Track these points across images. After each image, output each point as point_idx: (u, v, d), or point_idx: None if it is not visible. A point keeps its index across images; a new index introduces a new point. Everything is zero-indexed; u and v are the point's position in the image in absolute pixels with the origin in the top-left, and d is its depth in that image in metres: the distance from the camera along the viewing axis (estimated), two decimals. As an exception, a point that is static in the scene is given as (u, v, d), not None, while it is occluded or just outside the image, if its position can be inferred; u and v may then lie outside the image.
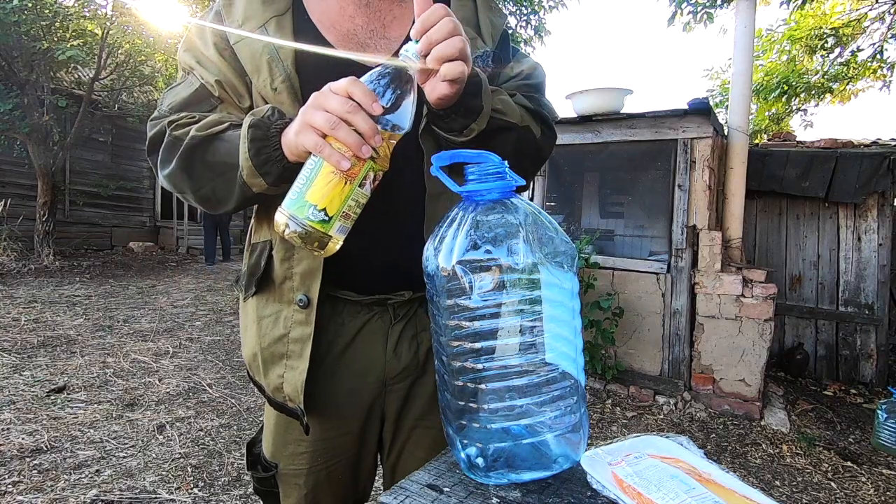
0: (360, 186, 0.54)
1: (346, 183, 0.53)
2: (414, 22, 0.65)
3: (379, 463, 0.87)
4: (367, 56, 0.73)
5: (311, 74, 0.70)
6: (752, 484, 2.58)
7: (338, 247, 0.56)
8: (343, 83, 0.53)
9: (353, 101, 0.52)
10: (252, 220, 0.82)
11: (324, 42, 0.73)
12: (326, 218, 0.52)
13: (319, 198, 0.52)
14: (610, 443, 0.57)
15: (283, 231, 0.53)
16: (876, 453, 2.82)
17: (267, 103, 0.69)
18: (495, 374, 0.50)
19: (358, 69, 0.71)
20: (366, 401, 0.78)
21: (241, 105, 0.74)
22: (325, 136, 0.53)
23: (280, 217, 0.54)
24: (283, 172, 0.61)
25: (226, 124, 0.67)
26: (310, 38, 0.72)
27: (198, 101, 0.73)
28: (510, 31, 7.91)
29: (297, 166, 0.57)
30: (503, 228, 0.51)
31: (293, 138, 0.57)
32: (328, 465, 0.79)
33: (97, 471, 2.08)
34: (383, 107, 0.53)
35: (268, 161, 0.61)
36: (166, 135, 0.69)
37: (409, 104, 0.56)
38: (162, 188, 9.86)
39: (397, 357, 0.77)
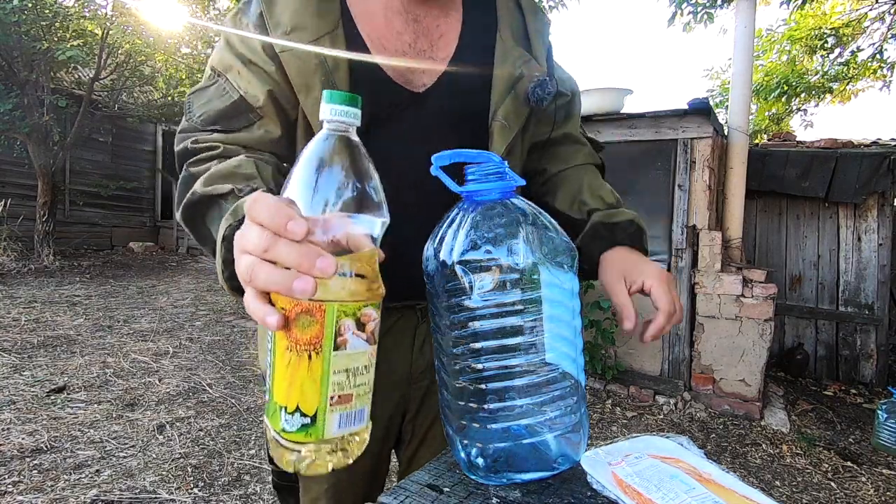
0: (338, 349, 0.36)
1: (310, 355, 0.36)
2: (460, 37, 0.69)
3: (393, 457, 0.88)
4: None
5: (367, 101, 0.67)
6: (752, 484, 2.59)
7: (361, 439, 0.40)
8: (248, 204, 0.37)
9: (266, 228, 0.35)
10: None
11: (377, 67, 0.68)
12: (307, 420, 0.36)
13: (286, 394, 0.37)
14: (610, 443, 0.57)
15: (275, 452, 0.39)
16: (876, 453, 2.82)
17: (311, 122, 0.66)
18: (495, 375, 0.50)
19: (407, 97, 0.70)
20: (393, 396, 0.78)
21: (288, 118, 0.68)
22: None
23: (266, 428, 0.40)
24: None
25: (228, 188, 0.57)
26: (361, 63, 0.67)
27: (234, 115, 0.65)
28: None
29: None
30: (503, 228, 0.51)
31: None
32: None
33: (97, 471, 2.08)
34: (322, 219, 0.36)
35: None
36: (185, 166, 0.64)
37: (371, 192, 0.39)
38: (162, 188, 9.80)
39: (423, 355, 0.79)
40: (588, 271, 0.73)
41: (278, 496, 0.87)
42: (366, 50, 0.68)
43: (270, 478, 0.87)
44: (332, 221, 0.37)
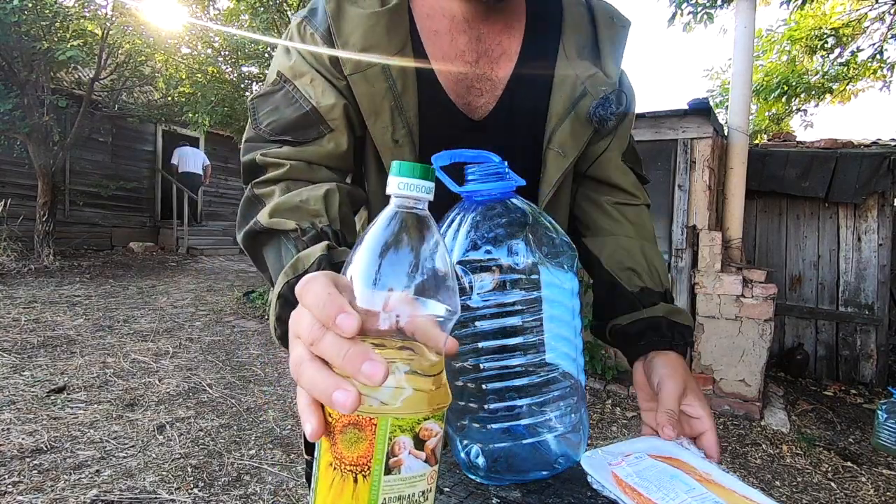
0: (390, 472, 0.30)
1: (356, 477, 0.30)
2: (519, 56, 0.68)
3: None
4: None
5: (430, 126, 0.65)
6: (752, 484, 2.58)
7: None
8: (299, 287, 0.33)
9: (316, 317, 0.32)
10: None
11: (441, 89, 0.66)
12: None
13: None
14: (610, 443, 0.56)
15: None
16: (876, 453, 2.82)
17: (378, 147, 0.65)
18: (495, 375, 0.50)
19: (468, 125, 0.68)
20: None
21: (356, 133, 0.66)
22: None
23: None
24: None
25: (292, 226, 0.55)
26: (426, 85, 0.65)
27: (305, 126, 0.63)
28: None
29: None
30: (503, 229, 0.51)
31: None
32: None
33: (97, 471, 2.08)
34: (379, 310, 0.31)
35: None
36: (251, 185, 0.62)
37: (442, 277, 0.34)
38: (162, 188, 9.80)
39: None
40: (618, 345, 0.69)
41: (309, 486, 0.87)
42: (432, 77, 0.66)
43: (302, 467, 0.88)
44: (394, 304, 0.31)
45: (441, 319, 0.33)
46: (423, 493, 0.32)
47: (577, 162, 0.72)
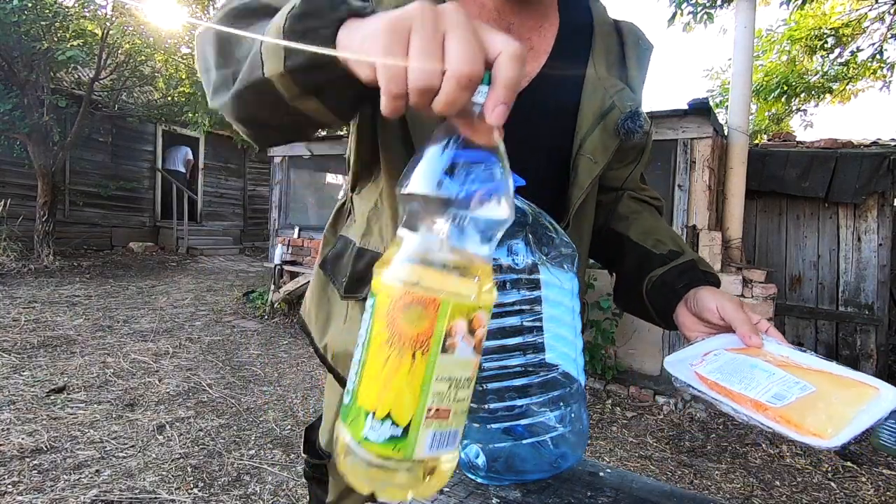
0: (445, 352, 0.31)
1: (414, 354, 0.31)
2: (549, 57, 0.67)
3: None
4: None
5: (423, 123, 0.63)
6: (751, 484, 2.56)
7: (447, 469, 0.34)
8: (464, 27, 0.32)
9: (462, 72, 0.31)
10: (356, 217, 0.73)
11: None
12: (398, 432, 0.31)
13: (377, 396, 0.32)
14: (686, 346, 0.59)
15: (345, 463, 0.34)
16: (876, 453, 2.82)
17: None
18: (495, 375, 0.50)
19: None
20: None
21: None
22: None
23: (339, 434, 0.34)
24: (318, 64, 0.41)
25: None
26: None
27: None
28: None
29: (346, 78, 0.39)
30: (503, 228, 0.51)
31: (354, 46, 0.38)
32: None
33: (97, 471, 2.08)
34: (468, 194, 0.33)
35: (306, 32, 0.40)
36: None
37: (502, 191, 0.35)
38: (162, 188, 9.81)
39: None
40: (656, 296, 0.72)
41: (308, 486, 0.87)
42: None
43: (302, 467, 0.88)
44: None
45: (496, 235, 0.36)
46: (468, 379, 0.33)
47: (606, 179, 0.77)
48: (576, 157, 0.69)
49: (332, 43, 0.40)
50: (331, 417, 0.79)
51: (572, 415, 0.53)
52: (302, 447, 0.86)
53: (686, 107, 3.36)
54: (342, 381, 0.72)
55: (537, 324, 0.50)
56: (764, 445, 2.82)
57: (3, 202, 6.67)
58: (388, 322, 0.32)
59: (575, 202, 0.68)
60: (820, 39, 7.39)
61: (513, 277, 0.50)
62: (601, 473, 0.57)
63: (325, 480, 0.82)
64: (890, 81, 7.56)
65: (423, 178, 0.33)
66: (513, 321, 0.50)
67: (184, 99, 7.84)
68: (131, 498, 1.92)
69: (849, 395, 0.45)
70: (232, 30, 0.49)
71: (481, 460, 0.51)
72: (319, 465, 0.81)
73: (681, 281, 0.69)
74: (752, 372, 0.49)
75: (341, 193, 0.80)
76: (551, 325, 0.51)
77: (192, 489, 2.02)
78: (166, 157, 9.33)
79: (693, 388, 0.50)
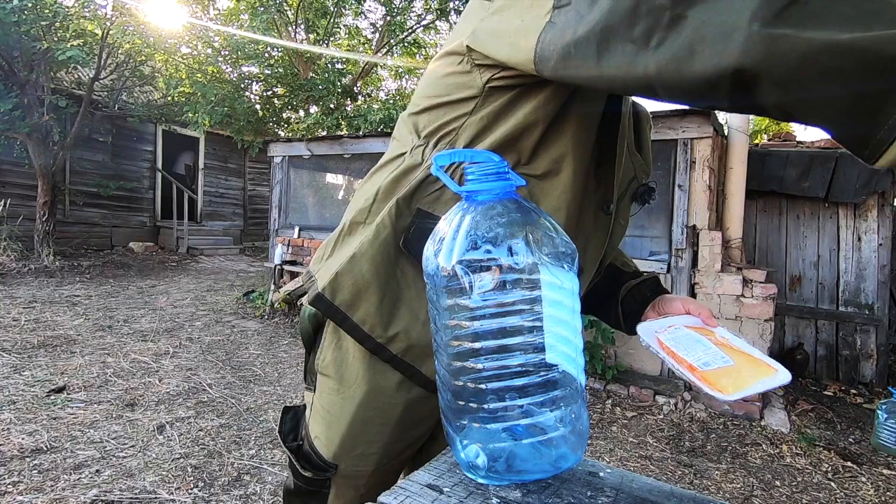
0: None
1: None
2: None
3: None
4: None
5: None
6: (751, 484, 2.56)
7: None
8: None
9: None
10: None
11: None
12: None
13: None
14: (660, 318, 0.77)
15: None
16: (876, 453, 2.82)
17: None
18: (495, 375, 0.50)
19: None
20: (429, 422, 0.79)
21: None
22: None
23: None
24: None
25: None
26: None
27: None
28: None
29: None
30: (503, 228, 0.51)
31: None
32: (399, 458, 0.78)
33: (97, 471, 2.08)
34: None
35: None
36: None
37: None
38: (162, 188, 9.83)
39: None
40: (629, 301, 0.86)
41: (293, 501, 0.81)
42: None
43: (288, 482, 0.82)
44: None
45: None
46: None
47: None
48: (613, 224, 0.78)
49: None
50: (344, 428, 0.73)
51: (572, 415, 0.53)
52: (279, 433, 0.81)
53: (686, 106, 3.36)
54: (414, 376, 0.69)
55: (537, 324, 0.50)
56: (764, 445, 2.82)
57: (3, 202, 6.67)
58: None
59: (607, 260, 0.84)
60: (820, 39, 7.39)
61: (513, 277, 0.50)
62: (601, 473, 0.57)
63: (324, 493, 0.78)
64: (890, 81, 7.56)
65: None
66: (513, 321, 0.50)
67: (184, 99, 7.84)
68: (131, 498, 1.92)
69: (755, 370, 0.60)
70: None
71: (481, 460, 0.51)
72: (320, 479, 0.76)
73: (650, 290, 0.85)
74: (696, 345, 0.65)
75: (407, 158, 0.72)
76: (551, 324, 0.51)
77: (192, 489, 2.02)
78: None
79: (652, 348, 0.66)
